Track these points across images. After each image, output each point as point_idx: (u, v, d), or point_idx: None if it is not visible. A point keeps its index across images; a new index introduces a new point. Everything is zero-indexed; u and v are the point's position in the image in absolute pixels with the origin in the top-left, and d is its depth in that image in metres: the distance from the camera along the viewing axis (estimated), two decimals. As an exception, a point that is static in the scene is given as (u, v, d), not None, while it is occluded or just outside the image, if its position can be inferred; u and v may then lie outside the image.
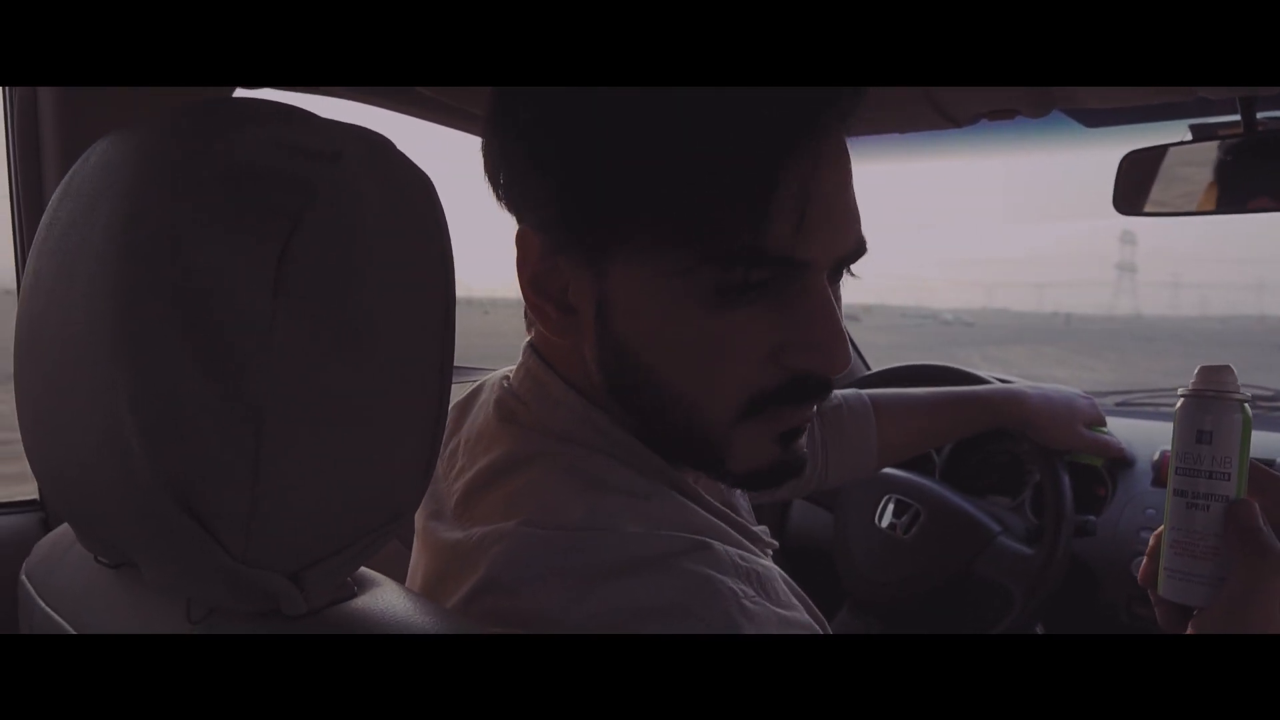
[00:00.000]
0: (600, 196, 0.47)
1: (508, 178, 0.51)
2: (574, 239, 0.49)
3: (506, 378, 0.59)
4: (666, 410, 0.51)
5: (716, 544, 0.47)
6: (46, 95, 0.85)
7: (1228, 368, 0.57)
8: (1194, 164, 0.95)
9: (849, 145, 0.51)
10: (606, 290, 0.49)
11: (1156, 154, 0.97)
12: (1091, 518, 1.13)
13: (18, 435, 0.47)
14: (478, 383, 0.63)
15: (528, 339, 0.58)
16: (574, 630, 0.43)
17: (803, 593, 0.53)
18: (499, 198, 0.53)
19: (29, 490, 0.96)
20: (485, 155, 0.53)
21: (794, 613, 0.48)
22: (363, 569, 0.46)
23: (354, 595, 0.43)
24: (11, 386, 0.46)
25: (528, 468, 0.52)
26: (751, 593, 0.46)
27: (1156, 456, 1.25)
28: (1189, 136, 0.95)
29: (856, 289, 0.55)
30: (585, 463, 0.51)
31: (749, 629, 0.44)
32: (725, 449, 0.51)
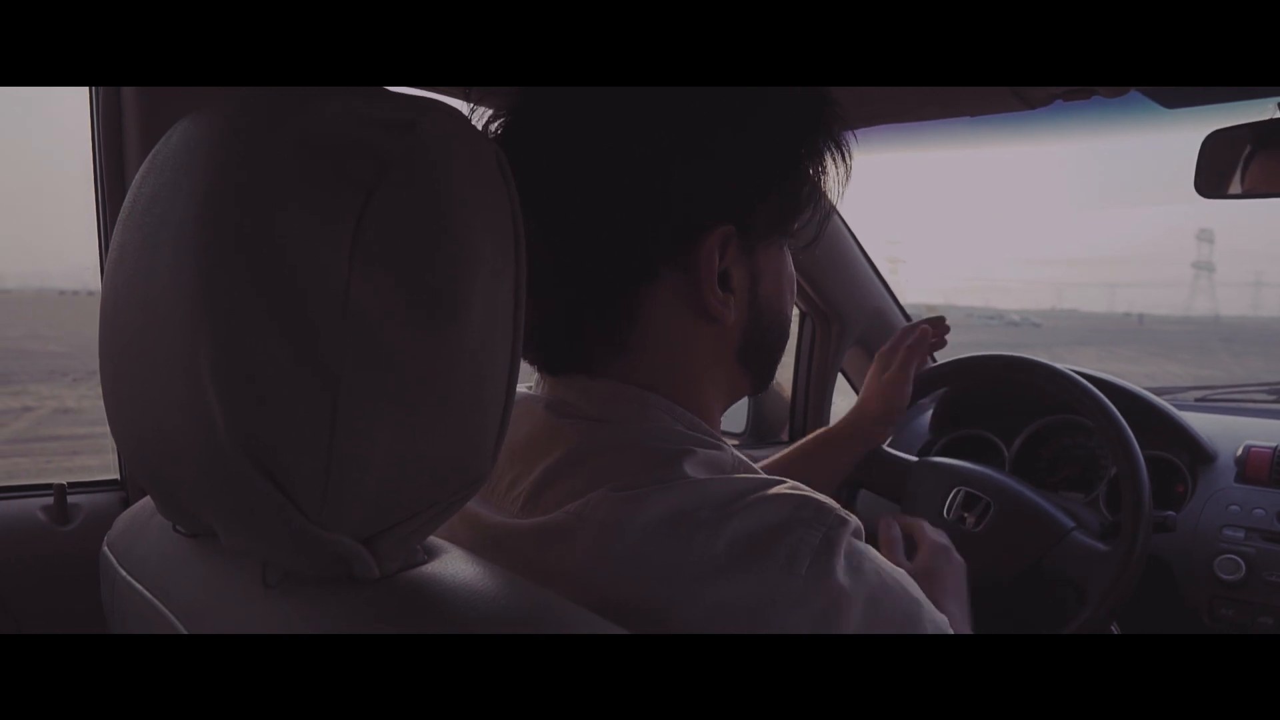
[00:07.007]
0: (781, 199, 0.59)
1: (693, 185, 0.55)
2: (761, 233, 0.58)
3: (528, 395, 0.62)
4: (783, 337, 0.64)
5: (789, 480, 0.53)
6: (130, 90, 0.88)
7: None
8: (1282, 143, 0.91)
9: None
10: (756, 268, 0.59)
11: (1242, 133, 0.93)
12: (1171, 513, 1.09)
13: (103, 429, 0.48)
14: None
15: (534, 370, 0.62)
16: (711, 560, 0.47)
17: None
18: (654, 203, 0.55)
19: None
20: (648, 164, 0.55)
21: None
22: (430, 538, 0.46)
23: (424, 561, 0.44)
24: (97, 382, 0.48)
25: (603, 452, 0.55)
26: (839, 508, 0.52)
27: (1240, 451, 1.20)
28: (1277, 114, 0.91)
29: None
30: (658, 437, 0.56)
31: (854, 527, 0.51)
32: None
